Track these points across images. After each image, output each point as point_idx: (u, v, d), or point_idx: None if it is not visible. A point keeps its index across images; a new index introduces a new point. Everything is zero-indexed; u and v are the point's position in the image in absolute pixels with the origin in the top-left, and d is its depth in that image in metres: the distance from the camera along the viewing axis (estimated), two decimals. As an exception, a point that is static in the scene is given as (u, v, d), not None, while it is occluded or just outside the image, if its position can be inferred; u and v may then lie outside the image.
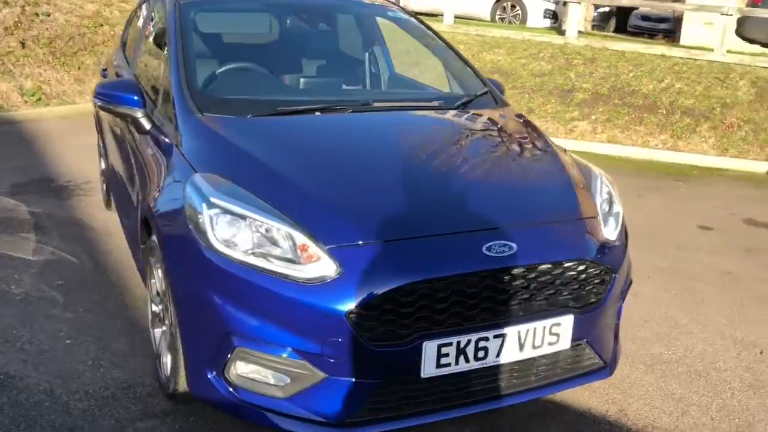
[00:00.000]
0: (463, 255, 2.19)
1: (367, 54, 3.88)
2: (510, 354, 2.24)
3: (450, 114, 3.18)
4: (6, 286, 3.60)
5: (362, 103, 3.08)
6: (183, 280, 2.29)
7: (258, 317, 2.12)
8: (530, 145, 2.99)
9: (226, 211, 2.23)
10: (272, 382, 2.18)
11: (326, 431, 2.15)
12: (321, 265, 2.09)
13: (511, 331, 2.22)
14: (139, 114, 2.95)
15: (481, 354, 2.20)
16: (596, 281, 2.39)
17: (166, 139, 2.79)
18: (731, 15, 8.90)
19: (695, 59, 8.93)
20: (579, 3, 9.82)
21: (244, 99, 2.95)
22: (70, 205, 4.97)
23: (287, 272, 2.11)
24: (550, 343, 2.31)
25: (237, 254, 2.15)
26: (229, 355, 2.17)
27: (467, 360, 2.18)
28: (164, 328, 2.65)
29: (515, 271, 2.20)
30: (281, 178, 2.40)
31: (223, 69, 3.19)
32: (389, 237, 2.18)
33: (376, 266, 2.10)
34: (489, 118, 3.21)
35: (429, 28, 3.82)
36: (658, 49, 9.44)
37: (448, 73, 3.62)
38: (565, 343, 2.35)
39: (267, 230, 2.17)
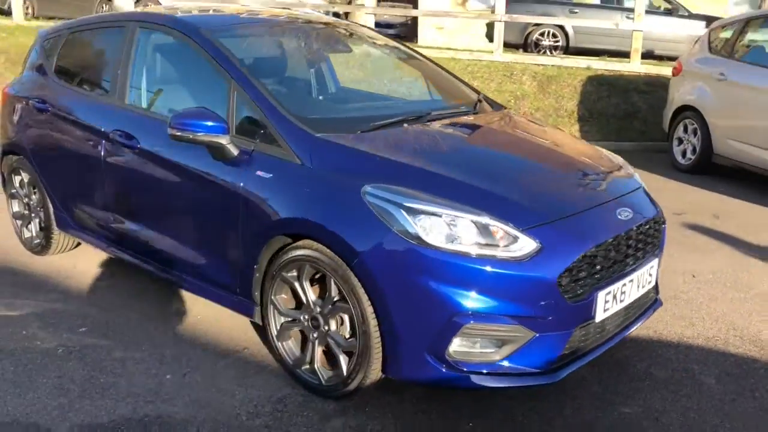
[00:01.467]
0: (610, 222, 2.82)
1: (313, 70, 4.20)
2: (634, 294, 2.93)
3: (493, 116, 3.73)
4: (29, 343, 3.36)
5: (424, 114, 3.49)
6: (395, 280, 2.56)
7: (479, 296, 2.52)
8: (561, 135, 3.70)
9: (422, 212, 2.58)
10: (488, 349, 2.59)
11: (539, 379, 2.63)
12: (523, 244, 2.57)
13: (636, 276, 2.90)
14: (224, 140, 3.04)
15: (623, 297, 2.85)
16: (659, 231, 3.17)
17: (275, 162, 2.93)
18: (502, 21, 10.47)
19: (480, 60, 10.35)
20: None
21: (341, 117, 3.21)
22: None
23: (495, 253, 2.54)
24: (648, 283, 3.04)
25: (447, 246, 2.53)
26: (453, 336, 2.53)
27: (616, 303, 2.82)
28: (315, 335, 2.86)
29: (635, 228, 2.89)
30: (439, 178, 2.78)
31: (292, 90, 3.38)
32: (559, 216, 2.73)
33: (562, 239, 2.64)
34: (520, 118, 3.84)
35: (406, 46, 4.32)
36: (448, 53, 10.72)
37: (428, 82, 4.14)
38: (653, 281, 3.10)
39: (461, 222, 2.56)
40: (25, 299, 3.84)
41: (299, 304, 2.97)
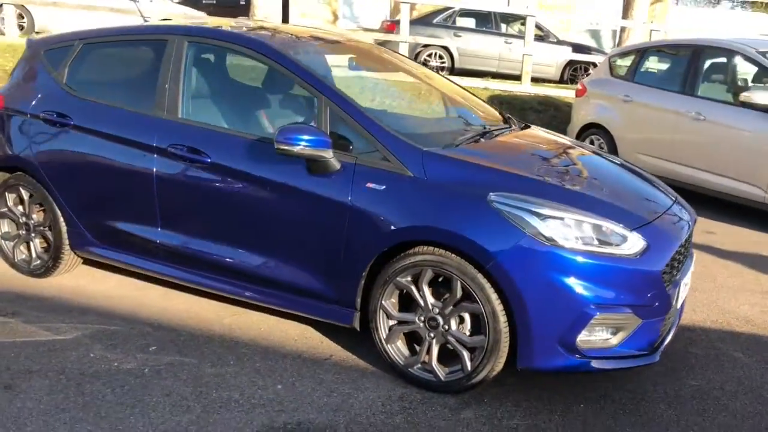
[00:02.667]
0: (682, 223, 3.31)
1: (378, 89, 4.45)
2: (684, 292, 3.43)
3: (534, 131, 4.10)
4: (106, 365, 3.28)
5: (486, 130, 3.81)
6: (532, 278, 2.85)
7: (607, 289, 2.90)
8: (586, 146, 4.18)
9: (549, 216, 2.91)
10: (607, 336, 2.97)
11: (644, 360, 3.04)
12: (633, 242, 2.98)
13: (686, 269, 3.42)
14: (329, 155, 3.19)
15: (686, 288, 3.35)
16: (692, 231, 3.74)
17: (386, 175, 3.13)
18: (407, 42, 10.99)
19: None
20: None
21: (424, 133, 3.45)
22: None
23: (613, 252, 2.93)
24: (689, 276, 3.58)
25: (576, 246, 2.88)
26: (584, 327, 2.88)
27: (683, 293, 3.32)
28: (432, 335, 3.09)
29: (691, 227, 3.42)
30: (548, 185, 3.13)
31: (378, 107, 3.56)
32: (654, 217, 3.17)
33: (661, 237, 3.08)
34: (554, 133, 4.26)
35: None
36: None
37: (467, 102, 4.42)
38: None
39: (582, 224, 2.93)
40: (63, 323, 3.68)
41: (406, 308, 3.16)
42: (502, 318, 2.91)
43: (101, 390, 3.04)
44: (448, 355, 3.10)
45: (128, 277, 4.25)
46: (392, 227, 3.06)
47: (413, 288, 3.08)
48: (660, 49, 8.06)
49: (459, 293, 2.98)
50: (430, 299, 3.06)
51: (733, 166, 6.62)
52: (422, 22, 13.60)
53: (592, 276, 2.85)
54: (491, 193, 2.96)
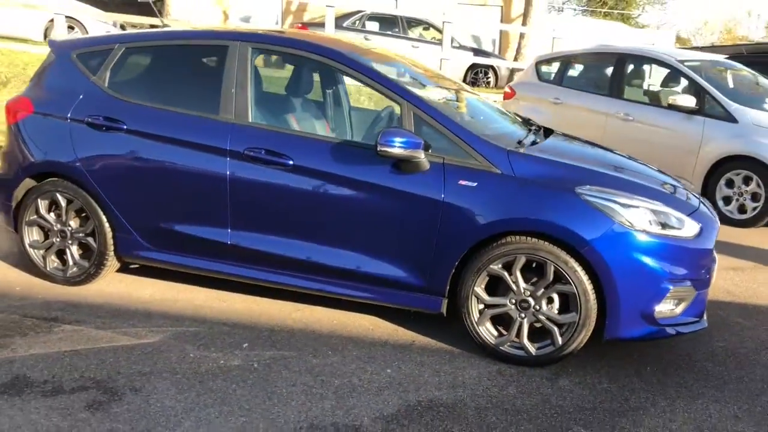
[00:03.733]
0: (711, 209, 3.91)
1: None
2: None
3: (558, 133, 4.57)
4: (213, 363, 3.39)
5: (531, 133, 4.22)
6: (621, 260, 3.30)
7: (677, 266, 3.42)
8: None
9: (630, 206, 3.40)
10: (673, 306, 3.49)
11: (698, 325, 3.57)
12: (690, 226, 3.53)
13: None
14: (422, 155, 3.50)
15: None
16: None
17: (476, 173, 3.49)
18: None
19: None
20: None
21: (500, 135, 3.82)
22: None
23: (678, 234, 3.47)
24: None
25: (653, 230, 3.38)
26: (661, 299, 3.39)
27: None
28: (523, 315, 3.48)
29: None
30: (617, 179, 3.62)
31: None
32: (697, 206, 3.73)
33: (706, 222, 3.64)
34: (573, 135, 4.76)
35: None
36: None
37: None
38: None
39: (656, 212, 3.45)
40: (135, 327, 3.71)
41: (491, 293, 3.52)
42: (592, 296, 3.34)
43: (227, 386, 3.15)
44: (531, 332, 3.50)
45: (163, 280, 4.30)
46: (487, 220, 3.41)
47: (506, 274, 3.44)
48: (586, 56, 8.88)
49: (551, 276, 3.38)
50: (522, 283, 3.44)
51: (660, 161, 7.49)
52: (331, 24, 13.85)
53: (665, 256, 3.36)
54: (578, 188, 3.39)
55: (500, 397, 3.19)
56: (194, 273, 4.06)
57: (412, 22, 14.44)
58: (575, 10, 39.87)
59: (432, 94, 4.11)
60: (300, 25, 13.92)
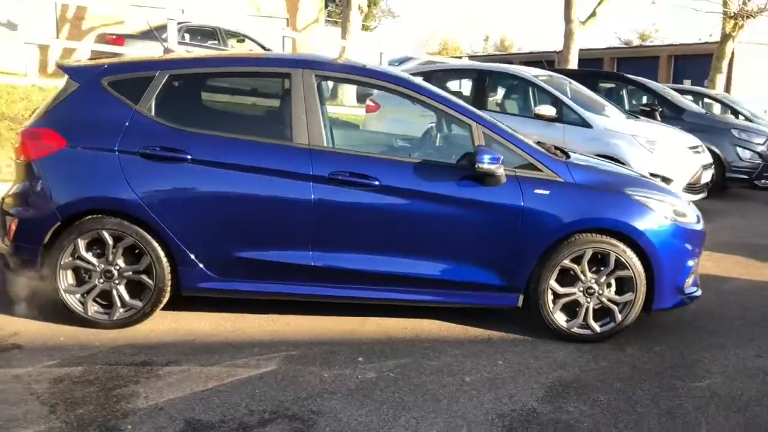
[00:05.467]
0: None
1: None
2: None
3: None
4: (361, 377, 3.57)
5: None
6: (665, 245, 4.07)
7: (694, 247, 4.31)
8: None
9: (662, 201, 4.23)
10: (691, 279, 4.40)
11: (698, 292, 4.50)
12: (694, 214, 4.45)
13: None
14: (501, 170, 4.02)
15: None
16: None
17: (546, 182, 4.10)
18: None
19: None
20: None
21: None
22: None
23: (690, 221, 4.35)
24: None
25: (679, 219, 4.25)
26: (689, 275, 4.27)
27: None
28: (588, 299, 4.16)
29: None
30: (642, 181, 4.44)
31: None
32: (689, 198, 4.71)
33: (695, 209, 4.64)
34: None
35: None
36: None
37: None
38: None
39: (674, 204, 4.33)
40: (243, 359, 3.70)
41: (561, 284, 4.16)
42: (644, 277, 4.11)
43: (390, 395, 3.35)
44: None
45: (207, 312, 4.25)
46: (561, 222, 4.01)
47: (576, 266, 4.07)
48: (447, 72, 9.82)
49: (612, 264, 4.08)
50: (588, 273, 4.10)
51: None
52: (149, 36, 13.33)
53: (687, 239, 4.24)
54: (626, 189, 4.14)
55: (598, 371, 3.79)
56: (262, 299, 4.12)
57: (230, 34, 14.36)
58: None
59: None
60: (115, 37, 13.10)
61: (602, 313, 4.16)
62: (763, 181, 10.03)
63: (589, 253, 4.05)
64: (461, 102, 4.20)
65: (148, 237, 3.86)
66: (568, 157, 4.40)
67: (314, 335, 4.04)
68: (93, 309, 3.94)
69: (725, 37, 21.78)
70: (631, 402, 3.43)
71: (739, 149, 10.02)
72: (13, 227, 3.89)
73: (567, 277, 4.10)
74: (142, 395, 3.24)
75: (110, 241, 3.87)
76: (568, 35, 18.24)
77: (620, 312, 4.13)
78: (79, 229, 3.85)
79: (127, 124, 3.88)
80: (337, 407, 3.21)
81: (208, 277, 3.95)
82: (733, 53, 21.65)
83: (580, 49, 19.29)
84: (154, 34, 4.15)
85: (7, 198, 4.02)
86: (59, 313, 3.99)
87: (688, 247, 4.21)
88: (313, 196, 3.85)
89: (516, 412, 3.27)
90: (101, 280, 3.92)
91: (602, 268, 4.08)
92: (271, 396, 3.29)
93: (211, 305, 4.25)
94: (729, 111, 12.55)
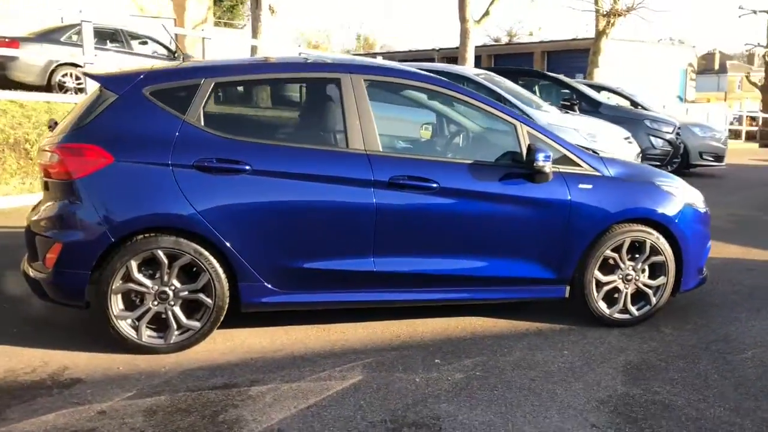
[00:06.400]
0: None
1: None
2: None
3: None
4: (450, 379, 3.65)
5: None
6: (691, 230, 4.39)
7: (708, 229, 4.69)
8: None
9: (680, 188, 4.57)
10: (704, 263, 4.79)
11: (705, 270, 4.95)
12: (700, 198, 4.86)
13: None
14: (549, 167, 4.20)
15: None
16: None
17: (587, 177, 4.31)
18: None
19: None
20: None
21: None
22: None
23: (701, 205, 4.76)
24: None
25: (694, 203, 4.60)
26: (706, 256, 4.64)
27: None
28: (626, 286, 4.42)
29: None
30: (659, 171, 4.75)
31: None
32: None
33: None
34: None
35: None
36: None
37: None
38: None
39: (688, 190, 4.69)
40: (323, 372, 3.63)
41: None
42: (673, 261, 4.42)
43: (502, 393, 3.40)
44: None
45: (253, 328, 4.15)
46: (604, 214, 4.23)
47: (616, 255, 4.32)
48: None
49: (648, 251, 4.36)
50: (625, 262, 4.35)
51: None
52: (47, 39, 12.50)
53: (704, 222, 4.60)
54: (654, 179, 4.43)
55: (655, 350, 4.05)
56: (323, 309, 4.10)
57: (133, 36, 13.68)
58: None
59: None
60: (8, 40, 12.07)
61: (638, 297, 4.41)
62: (673, 166, 10.89)
63: (627, 242, 4.29)
64: (500, 104, 4.31)
65: (207, 253, 3.68)
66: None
67: (376, 341, 4.02)
68: (146, 334, 3.71)
69: (599, 34, 23.30)
70: (701, 377, 3.68)
71: (652, 138, 10.81)
72: (55, 252, 3.58)
73: (606, 266, 4.31)
74: (250, 419, 3.11)
75: (165, 261, 3.65)
76: (463, 34, 18.82)
77: (654, 295, 4.40)
78: (132, 250, 3.60)
79: (177, 135, 3.68)
80: (451, 410, 3.23)
81: (270, 291, 3.83)
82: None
83: (456, 47, 20.00)
84: (184, 56, 3.88)
85: (41, 221, 3.69)
86: (103, 340, 3.76)
87: (705, 230, 4.56)
88: (374, 202, 3.82)
89: (613, 397, 3.42)
90: (155, 303, 3.69)
91: (637, 256, 4.33)
92: (379, 406, 3.26)
93: (253, 320, 4.12)
94: (629, 103, 13.49)
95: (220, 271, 3.72)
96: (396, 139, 4.23)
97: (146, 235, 3.62)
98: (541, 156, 3.95)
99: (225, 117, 3.86)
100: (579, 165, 4.24)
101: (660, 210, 4.30)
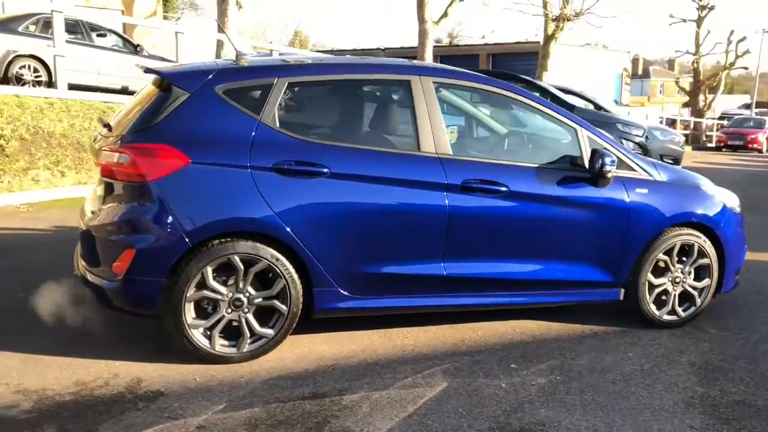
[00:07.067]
0: None
1: None
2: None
3: None
4: (536, 383, 3.66)
5: None
6: (732, 232, 4.53)
7: (744, 231, 4.88)
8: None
9: (719, 192, 4.73)
10: (739, 259, 4.95)
11: (735, 273, 5.13)
12: (735, 200, 5.04)
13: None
14: (613, 172, 4.25)
15: None
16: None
17: (642, 181, 4.39)
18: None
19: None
20: None
21: None
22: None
23: (737, 207, 4.93)
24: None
25: (734, 207, 4.76)
26: (743, 258, 4.81)
27: None
28: (675, 288, 4.55)
29: None
30: (700, 176, 4.88)
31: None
32: None
33: None
34: None
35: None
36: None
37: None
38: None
39: (725, 194, 4.85)
40: (404, 379, 3.58)
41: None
42: (718, 264, 4.57)
43: (591, 398, 3.47)
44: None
45: (313, 334, 4.07)
46: (662, 218, 4.31)
47: (667, 258, 4.43)
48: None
49: (696, 254, 4.49)
50: (674, 264, 4.47)
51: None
52: (2, 29, 11.88)
53: (742, 225, 4.76)
54: (700, 183, 4.56)
55: (711, 350, 4.16)
56: (391, 314, 4.02)
57: (93, 28, 13.13)
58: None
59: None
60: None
61: (683, 299, 4.52)
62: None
63: (678, 245, 4.39)
64: (561, 108, 4.34)
65: (283, 259, 3.57)
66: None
67: (443, 346, 4.00)
68: (219, 343, 3.57)
69: (548, 38, 23.82)
70: (767, 377, 3.80)
71: (624, 141, 11.10)
72: (127, 259, 3.40)
73: (656, 269, 4.41)
74: (357, 429, 3.04)
75: (241, 267, 3.52)
76: (422, 34, 18.91)
77: (699, 297, 4.52)
78: (208, 256, 3.46)
79: (253, 136, 3.55)
80: (551, 416, 3.23)
81: (343, 297, 3.75)
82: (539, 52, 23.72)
83: (403, 47, 20.10)
84: (238, 53, 3.71)
85: (107, 225, 3.50)
86: (166, 349, 3.64)
87: (743, 232, 4.72)
88: (447, 205, 3.79)
89: (695, 398, 3.50)
90: (229, 311, 3.56)
91: (684, 259, 4.44)
92: (478, 413, 3.23)
93: (312, 326, 4.00)
94: (592, 105, 13.82)
95: (296, 276, 3.61)
96: (461, 142, 4.18)
97: (222, 240, 3.47)
98: (608, 160, 4.00)
99: (298, 118, 3.74)
100: (634, 169, 4.31)
101: (708, 213, 4.43)
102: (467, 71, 4.21)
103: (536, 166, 4.07)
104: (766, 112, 39.23)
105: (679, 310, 4.48)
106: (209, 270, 3.46)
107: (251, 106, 3.59)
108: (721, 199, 4.57)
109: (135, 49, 13.34)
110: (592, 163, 4.04)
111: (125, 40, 13.41)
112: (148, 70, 3.88)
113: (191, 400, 3.22)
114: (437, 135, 3.84)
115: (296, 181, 3.54)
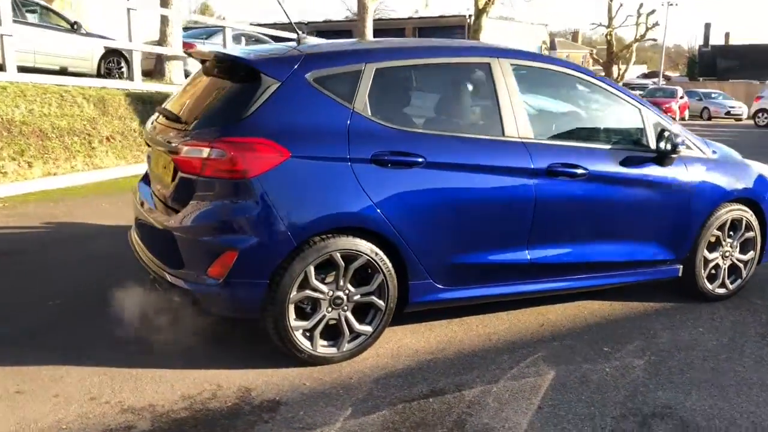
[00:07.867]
0: None
1: None
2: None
3: None
4: (629, 366, 3.71)
5: None
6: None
7: None
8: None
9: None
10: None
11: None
12: None
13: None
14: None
15: None
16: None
17: (700, 159, 4.47)
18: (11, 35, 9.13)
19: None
20: None
21: None
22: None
23: None
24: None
25: None
26: None
27: None
28: (725, 262, 4.70)
29: None
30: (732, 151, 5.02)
31: None
32: None
33: None
34: None
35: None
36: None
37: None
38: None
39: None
40: (507, 370, 3.55)
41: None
42: (761, 237, 4.74)
43: (700, 375, 3.54)
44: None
45: (396, 326, 3.92)
46: (720, 194, 4.39)
47: (720, 234, 4.56)
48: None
49: (743, 228, 4.64)
50: (726, 239, 4.61)
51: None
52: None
53: None
54: (744, 160, 4.71)
55: (763, 318, 4.34)
56: (481, 303, 3.98)
57: (27, 6, 12.23)
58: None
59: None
60: None
61: (730, 272, 4.67)
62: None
63: (729, 221, 4.52)
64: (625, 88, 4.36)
65: (382, 253, 3.45)
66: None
67: (527, 333, 3.98)
68: (320, 343, 3.42)
69: (479, 12, 24.03)
70: (836, 345, 3.99)
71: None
72: (228, 261, 3.18)
73: (709, 245, 4.53)
74: (498, 426, 2.99)
75: (342, 263, 3.37)
76: (362, 9, 18.69)
77: (745, 269, 4.69)
78: (311, 254, 3.29)
79: (348, 125, 3.38)
80: (671, 398, 3.27)
81: (436, 289, 3.66)
82: (469, 26, 23.98)
83: (329, 20, 19.83)
84: (299, 36, 3.52)
85: (198, 226, 3.26)
86: (258, 353, 3.53)
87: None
88: (534, 190, 3.75)
89: (788, 370, 3.62)
90: (329, 309, 3.41)
91: (731, 233, 4.58)
92: (603, 399, 3.24)
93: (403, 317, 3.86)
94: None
95: (393, 270, 3.48)
96: (538, 125, 4.11)
97: (323, 236, 3.30)
98: (679, 140, 4.04)
99: (388, 106, 3.55)
100: (691, 148, 4.38)
101: (754, 188, 4.57)
102: (537, 53, 4.15)
103: (608, 147, 4.07)
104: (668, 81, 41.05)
105: (728, 282, 4.62)
106: (312, 269, 3.28)
107: (343, 94, 3.41)
108: (759, 170, 4.71)
109: (72, 26, 12.52)
110: (658, 143, 4.06)
111: (60, 17, 12.55)
112: (222, 57, 3.60)
113: (313, 407, 3.07)
114: (519, 119, 3.77)
115: (393, 172, 3.40)
